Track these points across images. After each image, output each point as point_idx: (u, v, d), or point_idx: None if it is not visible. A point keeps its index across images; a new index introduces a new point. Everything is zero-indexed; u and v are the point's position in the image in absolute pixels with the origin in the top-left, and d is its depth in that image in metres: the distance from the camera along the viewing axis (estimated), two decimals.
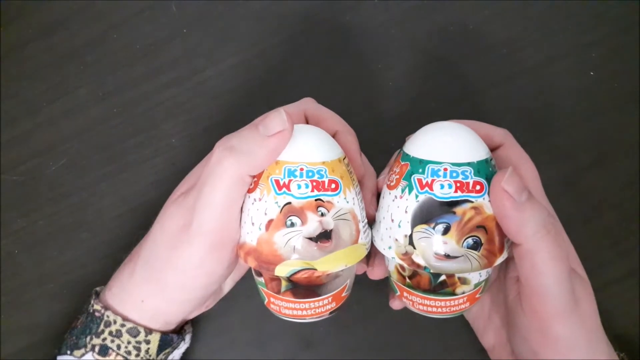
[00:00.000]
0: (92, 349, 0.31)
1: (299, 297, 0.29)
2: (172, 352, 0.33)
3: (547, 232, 0.26)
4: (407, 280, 0.29)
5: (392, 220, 0.28)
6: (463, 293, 0.29)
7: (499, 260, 0.28)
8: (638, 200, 0.39)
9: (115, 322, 0.31)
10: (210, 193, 0.28)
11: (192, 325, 0.37)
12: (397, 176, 0.29)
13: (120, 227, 0.40)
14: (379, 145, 0.36)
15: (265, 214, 0.27)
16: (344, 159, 0.29)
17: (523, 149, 0.32)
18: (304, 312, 0.29)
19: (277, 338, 0.38)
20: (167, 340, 0.32)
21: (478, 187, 0.27)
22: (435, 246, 0.27)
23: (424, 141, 0.29)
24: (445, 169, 0.27)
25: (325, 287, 0.29)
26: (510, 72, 0.41)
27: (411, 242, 0.27)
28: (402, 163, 0.29)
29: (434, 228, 0.27)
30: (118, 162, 0.41)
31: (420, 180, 0.27)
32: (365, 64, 0.41)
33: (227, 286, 0.35)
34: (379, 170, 0.33)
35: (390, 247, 0.28)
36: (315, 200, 0.27)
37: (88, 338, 0.31)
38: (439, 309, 0.29)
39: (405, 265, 0.28)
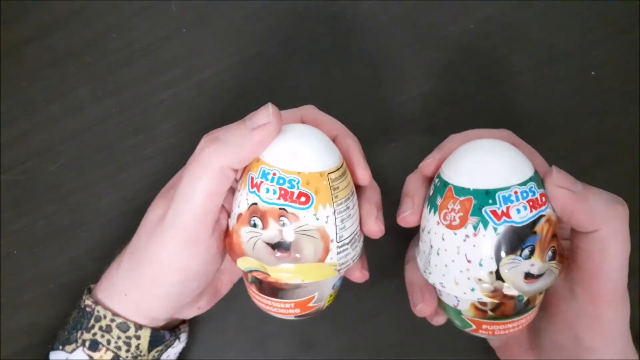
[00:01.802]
0: (83, 344, 0.31)
1: (261, 292, 0.29)
2: (165, 350, 0.33)
3: (618, 213, 0.26)
4: (489, 313, 0.28)
5: (469, 261, 0.26)
6: (540, 302, 0.29)
7: (564, 260, 0.28)
8: (638, 200, 0.39)
9: (105, 317, 0.31)
10: (190, 183, 0.27)
11: (192, 325, 0.37)
12: (461, 214, 0.26)
13: (120, 227, 0.40)
14: (379, 145, 0.36)
15: (238, 206, 0.28)
16: (331, 172, 0.27)
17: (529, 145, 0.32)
18: (269, 308, 0.29)
19: (276, 338, 0.38)
20: (159, 337, 0.32)
21: (544, 199, 0.26)
22: (524, 272, 0.26)
23: (476, 170, 0.27)
24: (516, 192, 0.26)
25: (285, 292, 0.29)
26: (510, 72, 0.41)
27: (499, 277, 0.26)
28: (462, 198, 0.26)
29: (520, 255, 0.26)
30: (118, 162, 0.41)
31: (494, 212, 0.26)
32: (366, 64, 0.41)
33: (225, 287, 0.35)
34: (378, 171, 0.32)
35: (473, 289, 0.27)
36: (280, 208, 0.26)
37: (79, 333, 0.31)
38: (519, 326, 0.28)
39: (494, 301, 0.27)
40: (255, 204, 0.27)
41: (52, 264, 0.39)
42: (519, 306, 0.28)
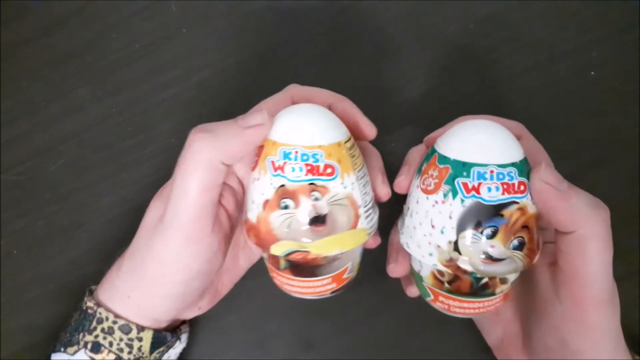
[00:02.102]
0: (85, 346, 0.31)
1: (297, 276, 0.29)
2: (166, 351, 0.33)
3: (599, 216, 0.26)
4: (446, 285, 0.29)
5: (433, 227, 0.27)
6: (501, 292, 0.29)
7: (537, 257, 0.28)
8: (638, 200, 0.39)
9: (107, 319, 0.31)
10: (183, 180, 0.27)
11: (192, 325, 0.37)
12: (437, 180, 0.27)
13: (120, 227, 0.40)
14: (379, 145, 0.36)
15: (262, 193, 0.28)
16: (345, 142, 0.28)
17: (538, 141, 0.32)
18: (304, 290, 0.30)
19: (277, 338, 0.38)
20: (160, 338, 0.32)
21: (522, 188, 0.26)
22: (483, 250, 0.26)
23: (463, 142, 0.27)
24: (492, 171, 0.26)
25: (323, 268, 0.29)
26: (510, 72, 0.41)
27: (457, 249, 0.27)
28: (441, 166, 0.27)
29: (481, 232, 0.26)
30: (117, 162, 0.41)
31: (465, 185, 0.26)
32: (365, 64, 0.41)
33: (225, 288, 0.35)
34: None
35: (431, 254, 0.27)
36: (309, 184, 0.27)
37: (81, 335, 0.31)
38: (477, 310, 0.29)
39: (448, 271, 0.27)
40: (282, 185, 0.27)
41: (52, 264, 0.39)
42: (475, 286, 0.28)
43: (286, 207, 0.27)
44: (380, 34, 0.42)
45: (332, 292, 0.30)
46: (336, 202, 0.27)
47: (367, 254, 0.32)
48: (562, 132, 0.40)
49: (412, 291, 0.33)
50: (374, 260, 0.33)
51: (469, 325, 0.36)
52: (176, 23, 0.42)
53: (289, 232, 0.27)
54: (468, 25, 0.41)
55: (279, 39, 0.42)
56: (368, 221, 0.29)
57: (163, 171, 0.41)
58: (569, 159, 0.39)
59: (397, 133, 0.39)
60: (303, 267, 0.29)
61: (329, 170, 0.27)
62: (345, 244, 0.28)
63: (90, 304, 0.32)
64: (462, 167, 0.27)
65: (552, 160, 0.31)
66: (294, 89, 0.32)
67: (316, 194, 0.27)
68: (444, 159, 0.27)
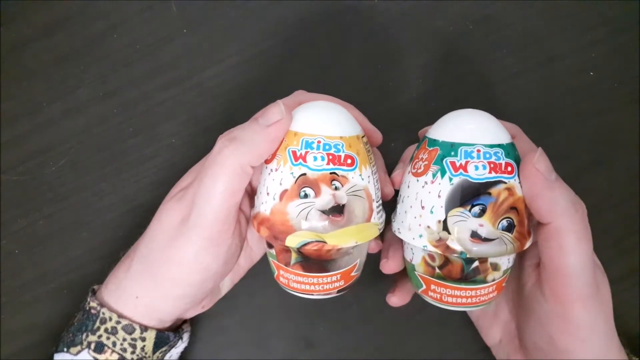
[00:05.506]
0: (88, 346, 0.31)
1: (307, 271, 0.29)
2: (169, 350, 0.33)
3: (576, 211, 0.26)
4: (437, 270, 0.29)
5: (423, 207, 0.28)
6: (494, 280, 0.29)
7: (529, 243, 0.28)
8: (638, 200, 0.39)
9: (110, 319, 0.31)
10: (211, 183, 0.28)
11: (192, 325, 0.37)
12: (426, 162, 0.28)
13: (120, 227, 0.40)
14: (380, 146, 0.36)
15: (280, 184, 0.28)
16: (362, 137, 0.29)
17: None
18: (312, 287, 0.30)
19: (277, 338, 0.38)
20: (163, 338, 0.32)
21: (509, 169, 0.27)
22: (471, 229, 0.27)
23: (451, 126, 0.28)
24: (479, 150, 0.27)
25: (334, 263, 0.29)
26: (510, 72, 0.41)
27: (445, 227, 0.27)
28: (430, 149, 0.28)
29: (469, 210, 0.27)
30: (118, 162, 0.41)
31: (453, 163, 0.27)
32: (365, 64, 0.41)
33: (226, 287, 0.35)
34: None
35: (421, 236, 0.28)
36: (330, 173, 0.27)
37: (84, 335, 0.31)
38: (469, 300, 0.29)
39: (437, 253, 0.28)
40: (304, 174, 0.27)
41: (53, 263, 0.39)
42: (466, 270, 0.28)
43: (306, 196, 0.27)
44: (380, 35, 0.42)
45: (338, 292, 0.30)
46: (354, 193, 0.28)
47: (367, 257, 0.32)
48: (561, 132, 0.40)
49: (393, 300, 0.33)
50: (373, 260, 0.33)
51: (467, 325, 0.37)
52: (177, 23, 0.42)
53: (306, 221, 0.27)
54: (467, 25, 0.41)
55: (279, 39, 0.42)
56: (379, 216, 0.29)
57: (164, 171, 0.41)
58: (567, 159, 0.40)
59: (396, 133, 0.39)
60: (315, 262, 0.29)
61: (349, 161, 0.28)
62: (360, 237, 0.28)
63: (93, 304, 0.32)
64: (450, 148, 0.27)
65: (551, 160, 0.31)
66: (301, 95, 0.33)
67: (336, 183, 0.27)
68: (433, 142, 0.28)
